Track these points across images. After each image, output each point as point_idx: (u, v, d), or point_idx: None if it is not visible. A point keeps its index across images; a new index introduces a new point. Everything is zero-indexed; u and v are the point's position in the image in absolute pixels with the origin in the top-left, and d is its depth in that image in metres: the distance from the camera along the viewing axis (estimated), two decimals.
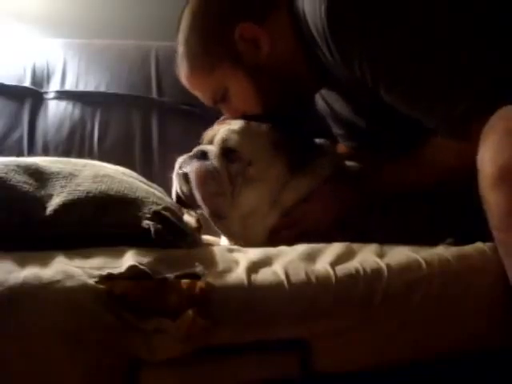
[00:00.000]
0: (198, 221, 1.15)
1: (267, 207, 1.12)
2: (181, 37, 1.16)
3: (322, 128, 1.35)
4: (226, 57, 1.12)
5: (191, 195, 1.09)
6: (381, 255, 0.92)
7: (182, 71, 1.19)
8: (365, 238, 1.01)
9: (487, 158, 0.83)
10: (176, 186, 1.13)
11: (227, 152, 1.11)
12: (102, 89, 1.60)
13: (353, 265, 0.89)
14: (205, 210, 1.09)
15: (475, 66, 0.94)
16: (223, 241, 1.20)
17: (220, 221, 1.11)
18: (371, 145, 1.30)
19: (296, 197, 1.13)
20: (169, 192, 1.13)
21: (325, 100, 1.33)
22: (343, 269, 0.88)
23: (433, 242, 0.98)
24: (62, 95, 1.58)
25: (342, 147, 1.39)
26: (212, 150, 1.12)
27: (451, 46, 0.95)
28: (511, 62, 0.94)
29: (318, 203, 1.12)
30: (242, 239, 1.11)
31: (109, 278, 0.80)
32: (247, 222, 1.12)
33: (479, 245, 0.93)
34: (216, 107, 1.22)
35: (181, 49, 1.17)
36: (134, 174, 1.12)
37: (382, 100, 1.03)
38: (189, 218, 1.14)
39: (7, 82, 1.55)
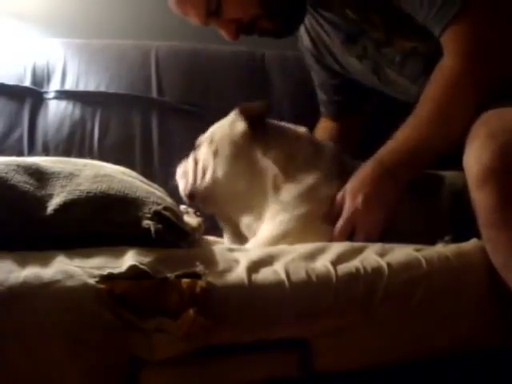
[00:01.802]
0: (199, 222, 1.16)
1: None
2: None
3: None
4: None
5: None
6: (381, 254, 0.92)
7: None
8: None
9: (472, 160, 0.87)
10: None
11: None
12: (102, 88, 1.60)
13: (353, 264, 0.89)
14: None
15: None
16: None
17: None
18: (354, 100, 1.36)
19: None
20: (169, 192, 1.13)
21: (312, 39, 1.35)
22: (344, 268, 0.88)
23: (431, 240, 0.98)
24: (62, 95, 1.58)
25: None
26: None
27: None
28: None
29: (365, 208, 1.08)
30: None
31: (109, 278, 0.80)
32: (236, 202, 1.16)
33: (476, 241, 0.94)
34: (210, 25, 1.20)
35: None
36: (134, 173, 1.12)
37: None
38: (189, 219, 1.14)
39: (7, 82, 1.55)
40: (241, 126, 1.17)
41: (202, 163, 1.19)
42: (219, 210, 1.21)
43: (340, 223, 1.07)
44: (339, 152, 1.22)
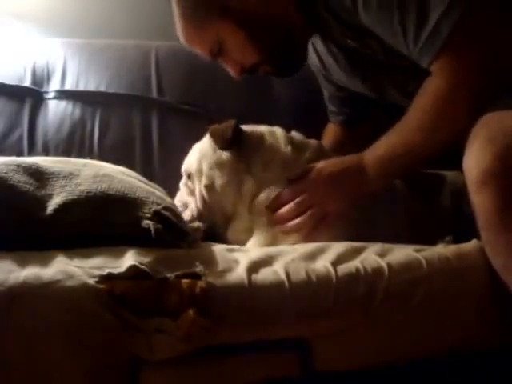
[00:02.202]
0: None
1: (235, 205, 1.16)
2: None
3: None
4: (215, 10, 1.16)
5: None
6: (382, 254, 0.92)
7: (179, 31, 1.22)
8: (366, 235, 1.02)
9: (471, 163, 0.87)
10: None
11: (187, 175, 1.24)
12: (102, 88, 1.60)
13: (353, 264, 0.89)
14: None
15: None
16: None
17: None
18: (361, 111, 1.37)
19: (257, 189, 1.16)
20: (169, 192, 1.13)
21: (319, 57, 1.36)
22: (344, 268, 0.88)
23: (432, 241, 0.98)
24: (62, 95, 1.58)
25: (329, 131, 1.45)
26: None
27: None
28: None
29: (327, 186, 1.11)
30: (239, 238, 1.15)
31: (109, 278, 0.80)
32: (232, 223, 1.17)
33: (477, 242, 0.94)
34: (217, 61, 1.25)
35: (175, 9, 1.20)
36: (134, 173, 1.12)
37: (363, 35, 1.08)
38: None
39: (7, 82, 1.55)
40: (225, 154, 1.18)
41: (198, 196, 1.20)
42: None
43: (299, 186, 1.11)
44: (323, 149, 1.23)
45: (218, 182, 1.17)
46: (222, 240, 1.15)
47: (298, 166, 1.15)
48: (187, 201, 1.23)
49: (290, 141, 1.20)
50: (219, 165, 1.18)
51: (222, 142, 1.17)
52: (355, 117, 1.45)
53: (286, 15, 1.17)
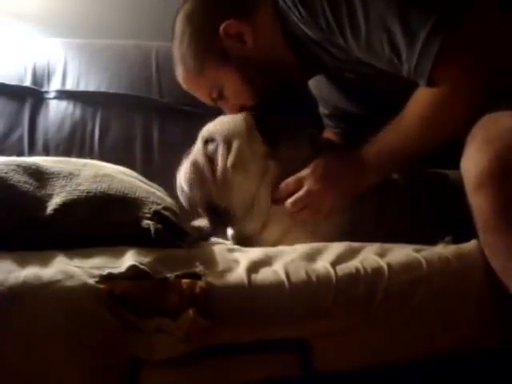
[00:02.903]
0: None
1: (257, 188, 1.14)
2: (175, 41, 1.22)
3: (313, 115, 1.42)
4: (213, 55, 1.17)
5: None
6: (381, 254, 0.92)
7: (179, 74, 1.24)
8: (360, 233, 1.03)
9: (469, 165, 0.87)
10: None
11: (206, 141, 1.17)
12: (103, 89, 1.60)
13: (353, 264, 0.89)
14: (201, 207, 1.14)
15: None
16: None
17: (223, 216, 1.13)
18: (356, 129, 1.34)
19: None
20: (169, 192, 1.13)
21: (315, 81, 1.36)
22: (344, 268, 0.88)
23: (432, 241, 0.98)
24: (63, 95, 1.58)
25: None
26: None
27: None
28: None
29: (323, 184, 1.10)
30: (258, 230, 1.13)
31: (109, 278, 0.80)
32: (252, 210, 1.13)
33: (476, 242, 0.93)
34: (217, 106, 1.25)
35: (175, 52, 1.22)
36: (134, 173, 1.12)
37: (360, 67, 1.09)
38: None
39: (8, 82, 1.55)
40: (261, 146, 1.14)
41: (220, 173, 1.12)
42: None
43: (297, 181, 1.10)
44: (338, 147, 1.23)
45: (248, 168, 1.13)
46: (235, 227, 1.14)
47: None
48: (205, 176, 1.14)
49: (310, 137, 1.20)
50: (252, 152, 1.14)
51: (269, 136, 1.14)
52: (352, 131, 1.44)
53: (282, 59, 1.18)
